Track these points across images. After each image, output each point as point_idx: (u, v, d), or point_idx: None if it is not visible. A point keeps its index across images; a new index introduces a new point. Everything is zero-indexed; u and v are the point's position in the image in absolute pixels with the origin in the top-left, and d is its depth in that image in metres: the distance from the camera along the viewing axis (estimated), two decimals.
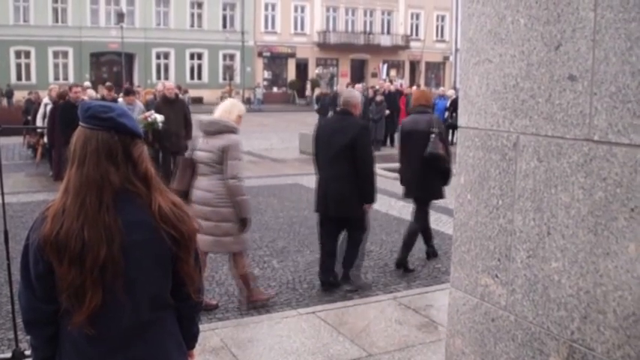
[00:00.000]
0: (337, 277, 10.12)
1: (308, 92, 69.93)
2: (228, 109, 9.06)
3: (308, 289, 9.91)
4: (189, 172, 8.91)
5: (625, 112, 3.22)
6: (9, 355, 6.55)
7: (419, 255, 11.75)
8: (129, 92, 19.89)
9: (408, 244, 11.24)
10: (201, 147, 8.78)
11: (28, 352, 5.95)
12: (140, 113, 17.85)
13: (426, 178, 10.84)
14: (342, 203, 9.76)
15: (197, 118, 9.15)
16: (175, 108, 18.43)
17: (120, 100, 20.91)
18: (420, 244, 11.97)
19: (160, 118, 17.68)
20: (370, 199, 9.91)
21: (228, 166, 8.58)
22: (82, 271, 3.09)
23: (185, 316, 3.59)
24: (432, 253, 11.68)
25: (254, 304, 9.14)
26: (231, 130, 8.79)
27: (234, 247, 8.93)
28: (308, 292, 9.76)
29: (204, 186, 8.70)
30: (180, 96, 25.07)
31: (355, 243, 10.10)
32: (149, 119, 17.52)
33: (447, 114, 30.54)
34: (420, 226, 11.44)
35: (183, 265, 3.37)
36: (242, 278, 9.11)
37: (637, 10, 3.16)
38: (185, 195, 8.49)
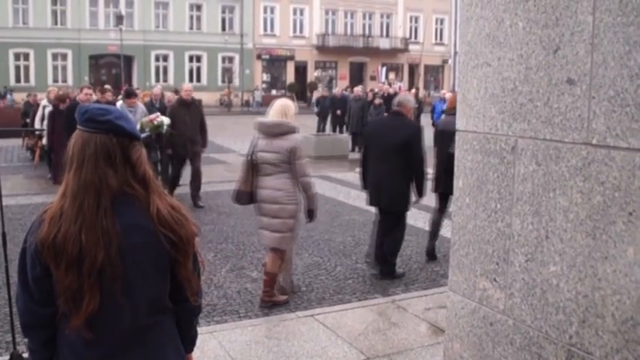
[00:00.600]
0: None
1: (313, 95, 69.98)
2: (284, 110, 9.28)
3: (306, 292, 9.90)
4: (251, 171, 9.25)
5: (623, 116, 3.22)
6: (7, 357, 6.53)
7: (417, 258, 11.76)
8: (130, 94, 18.35)
9: (434, 232, 12.06)
10: (265, 148, 9.09)
11: (25, 355, 5.93)
12: (143, 116, 17.11)
13: (451, 173, 11.25)
14: (394, 197, 10.52)
15: (255, 119, 9.37)
16: (192, 111, 16.98)
17: (119, 103, 20.67)
18: (410, 250, 11.97)
19: (166, 121, 16.64)
20: (422, 192, 10.71)
21: (298, 165, 9.07)
22: (80, 275, 3.08)
23: (183, 319, 3.58)
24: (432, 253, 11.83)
25: (266, 304, 9.30)
26: (294, 131, 9.20)
27: (283, 245, 9.32)
28: (306, 295, 9.75)
29: (271, 185, 9.08)
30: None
31: (397, 235, 10.90)
32: (155, 122, 16.59)
33: (443, 116, 30.50)
34: (443, 217, 11.98)
35: (182, 269, 3.36)
36: (269, 276, 9.30)
37: (635, 14, 3.16)
38: (250, 196, 9.27)
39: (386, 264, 10.79)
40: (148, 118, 16.75)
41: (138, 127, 15.83)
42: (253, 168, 9.20)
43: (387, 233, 10.81)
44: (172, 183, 16.65)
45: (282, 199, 9.02)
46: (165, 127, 16.63)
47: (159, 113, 17.26)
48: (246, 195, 9.31)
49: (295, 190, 9.19)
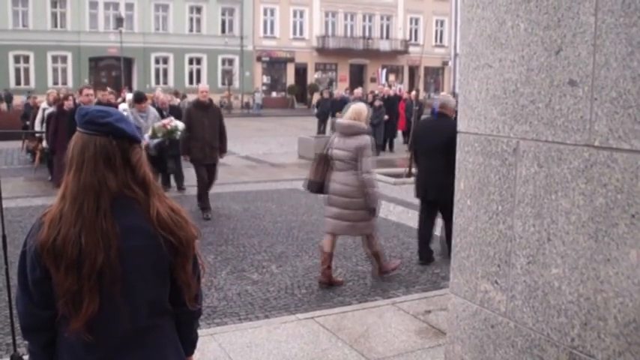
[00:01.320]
0: (431, 254, 11.85)
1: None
2: (358, 113, 10.41)
3: (307, 294, 9.89)
4: (323, 165, 10.48)
5: (626, 118, 3.21)
6: (7, 359, 6.54)
7: (418, 261, 11.74)
8: (140, 98, 16.65)
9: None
10: (338, 146, 10.24)
11: (26, 357, 5.93)
12: (155, 120, 16.12)
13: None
14: (440, 190, 10.92)
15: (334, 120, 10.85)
16: (210, 114, 15.62)
17: (123, 106, 20.38)
18: (410, 252, 11.97)
19: (181, 125, 15.45)
20: None
21: (362, 163, 10.00)
22: (79, 278, 3.07)
23: (183, 322, 3.56)
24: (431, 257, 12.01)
25: (386, 274, 10.73)
26: (365, 132, 10.28)
27: (366, 231, 10.49)
28: (307, 297, 9.74)
29: (341, 180, 10.18)
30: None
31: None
32: (169, 127, 15.52)
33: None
34: None
35: (181, 272, 3.35)
36: (374, 255, 10.69)
37: (638, 15, 3.15)
38: (320, 186, 10.53)
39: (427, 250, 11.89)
40: (161, 122, 15.84)
41: (149, 132, 15.51)
42: (327, 162, 10.42)
43: (447, 221, 11.42)
44: (202, 190, 15.69)
45: (351, 193, 10.08)
46: (179, 133, 15.52)
47: (172, 117, 16.28)
48: (317, 185, 10.56)
49: (362, 184, 10.05)
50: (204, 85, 17.43)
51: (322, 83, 69.30)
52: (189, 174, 17.40)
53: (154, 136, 15.29)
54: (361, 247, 11.93)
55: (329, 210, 10.42)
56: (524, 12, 3.80)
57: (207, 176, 15.61)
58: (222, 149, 16.03)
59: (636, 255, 3.23)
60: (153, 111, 16.88)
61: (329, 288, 10.23)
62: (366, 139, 10.12)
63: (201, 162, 15.48)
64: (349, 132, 10.17)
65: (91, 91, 17.21)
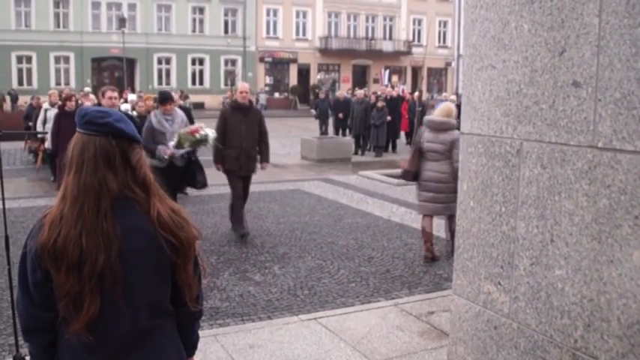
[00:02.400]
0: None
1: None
2: (448, 112, 11.97)
3: (309, 295, 9.88)
4: (418, 156, 11.94)
5: (630, 119, 3.20)
6: None
7: (420, 262, 11.74)
8: (166, 99, 13.33)
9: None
10: (432, 140, 11.66)
11: (28, 358, 5.94)
12: (182, 125, 12.89)
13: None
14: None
15: (427, 118, 12.40)
16: (249, 118, 13.49)
17: (125, 106, 20.03)
18: (413, 253, 11.96)
19: (211, 134, 12.54)
20: None
21: (455, 154, 10.86)
22: (80, 279, 3.07)
23: (184, 323, 3.56)
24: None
25: (428, 259, 11.88)
26: (455, 128, 11.44)
27: (455, 210, 10.93)
28: (309, 299, 9.73)
29: (436, 169, 11.64)
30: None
31: None
32: (198, 135, 12.48)
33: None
34: None
35: (182, 272, 3.34)
36: (452, 233, 11.76)
37: None
38: (415, 175, 12.04)
39: None
40: (189, 129, 12.68)
41: (175, 140, 12.19)
42: (420, 154, 11.83)
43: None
44: (237, 207, 13.72)
45: (445, 179, 11.47)
46: (210, 143, 12.67)
47: (202, 124, 13.07)
48: (411, 174, 12.09)
49: (454, 172, 10.36)
50: (243, 84, 14.86)
51: (325, 84, 69.26)
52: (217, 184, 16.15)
53: (179, 145, 12.31)
54: (363, 249, 11.95)
55: (424, 195, 11.91)
56: (528, 13, 3.80)
57: (242, 190, 13.64)
58: (264, 158, 13.97)
59: (639, 256, 3.23)
60: (180, 114, 13.41)
61: (372, 278, 10.44)
62: (457, 134, 10.76)
63: (236, 174, 13.45)
64: (442, 128, 11.62)
65: (115, 94, 13.81)
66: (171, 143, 12.25)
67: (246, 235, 13.38)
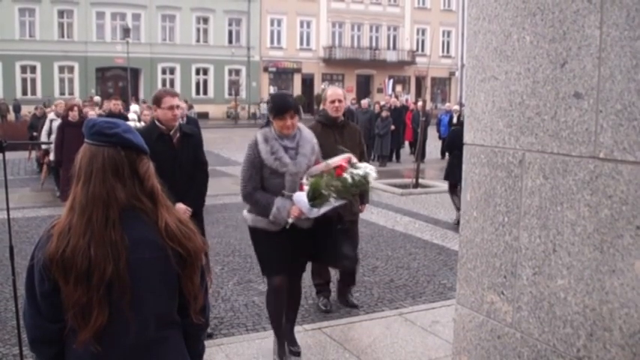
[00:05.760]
0: None
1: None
2: None
3: (314, 304, 9.88)
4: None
5: (631, 130, 3.22)
6: None
7: (424, 271, 11.75)
8: (286, 107, 7.20)
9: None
10: None
11: None
12: (315, 158, 7.47)
13: None
14: None
15: None
16: (345, 137, 9.41)
17: (132, 115, 19.76)
18: (417, 263, 11.97)
19: (373, 173, 7.39)
20: None
21: None
22: (89, 289, 3.08)
23: (191, 333, 3.57)
24: None
25: None
26: None
27: None
28: (314, 308, 9.73)
29: None
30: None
31: None
32: (348, 174, 7.20)
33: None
34: None
35: (188, 283, 3.36)
36: None
37: None
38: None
39: None
40: (329, 164, 7.33)
41: (307, 188, 7.05)
42: None
43: None
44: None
45: None
46: (370, 183, 7.44)
47: (349, 155, 7.50)
48: None
49: None
50: (335, 89, 10.12)
51: (323, 94, 69.33)
52: None
53: (315, 197, 7.05)
54: (367, 259, 11.98)
55: None
56: (530, 25, 3.82)
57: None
58: (364, 198, 9.68)
59: None
60: (308, 137, 7.57)
61: (377, 288, 10.24)
62: None
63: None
64: None
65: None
66: (301, 196, 7.07)
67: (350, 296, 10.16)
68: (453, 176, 15.84)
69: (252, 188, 7.23)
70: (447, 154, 19.55)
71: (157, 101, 8.26)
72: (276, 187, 7.20)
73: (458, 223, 16.91)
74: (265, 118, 7.39)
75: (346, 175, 7.16)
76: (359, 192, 7.92)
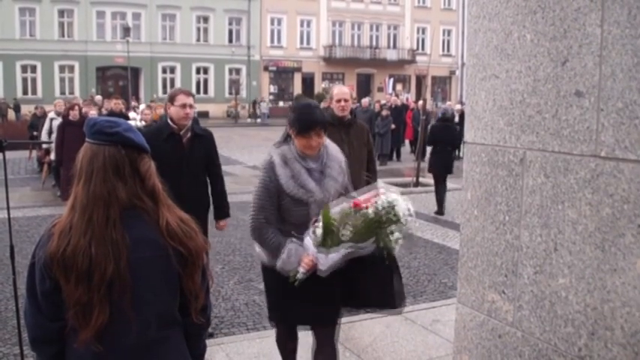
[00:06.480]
0: None
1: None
2: None
3: None
4: None
5: (632, 129, 3.22)
6: None
7: (425, 270, 11.75)
8: (314, 122, 5.72)
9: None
10: None
11: None
12: (343, 182, 6.06)
13: None
14: None
15: None
16: (352, 136, 9.22)
17: (133, 115, 19.63)
18: (418, 262, 11.97)
19: (405, 205, 5.69)
20: None
21: None
22: (90, 288, 3.08)
23: (192, 333, 3.57)
24: None
25: None
26: None
27: None
28: None
29: None
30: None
31: None
32: (372, 211, 5.40)
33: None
34: None
35: (189, 282, 3.35)
36: None
37: None
38: None
39: None
40: (350, 200, 5.60)
41: (318, 231, 5.44)
42: None
43: None
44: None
45: None
46: (406, 231, 5.75)
47: (382, 187, 5.88)
48: None
49: None
50: (342, 88, 10.18)
51: (329, 93, 69.31)
52: None
53: (328, 241, 5.43)
54: None
55: None
56: (531, 23, 3.81)
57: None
58: None
59: None
60: (336, 154, 6.19)
61: None
62: None
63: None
64: None
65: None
66: (311, 240, 5.50)
67: None
68: (436, 168, 17.73)
69: (264, 220, 5.75)
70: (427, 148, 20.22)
71: (171, 98, 8.24)
72: (299, 220, 5.70)
73: (436, 213, 17.14)
74: (283, 136, 5.81)
75: (369, 212, 5.39)
76: (391, 242, 5.57)
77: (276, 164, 5.73)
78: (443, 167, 17.56)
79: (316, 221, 5.49)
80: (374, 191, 5.70)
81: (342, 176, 6.05)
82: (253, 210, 5.81)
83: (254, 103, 68.88)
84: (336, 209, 5.46)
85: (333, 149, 6.12)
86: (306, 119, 5.72)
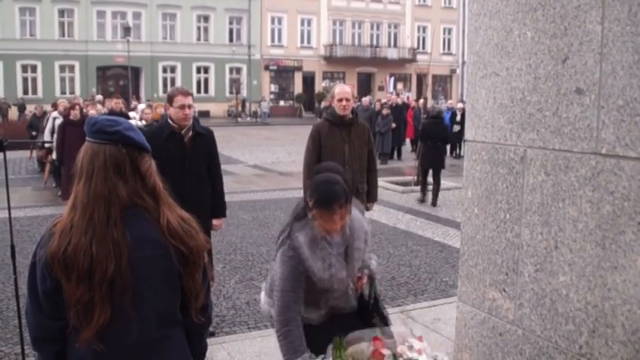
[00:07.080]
0: None
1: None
2: None
3: None
4: None
5: (632, 126, 3.22)
6: None
7: (426, 269, 11.74)
8: (333, 197, 4.80)
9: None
10: None
11: None
12: (365, 257, 5.38)
13: None
14: None
15: None
16: (352, 136, 9.43)
17: (133, 114, 19.66)
18: (419, 260, 11.96)
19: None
20: None
21: None
22: (91, 287, 3.08)
23: (193, 332, 3.56)
24: None
25: None
26: None
27: None
28: None
29: None
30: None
31: None
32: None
33: (456, 127, 30.31)
34: None
35: (190, 281, 3.35)
36: None
37: None
38: None
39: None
40: (369, 345, 4.64)
41: None
42: None
43: None
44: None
45: None
46: None
47: (411, 337, 4.61)
48: None
49: None
50: (343, 87, 10.12)
51: (330, 92, 69.29)
52: None
53: None
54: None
55: None
56: (531, 21, 3.81)
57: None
58: (371, 195, 9.79)
59: None
60: (360, 224, 5.27)
61: (378, 285, 10.12)
62: None
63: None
64: None
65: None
66: None
67: None
68: (427, 162, 19.13)
69: (294, 315, 5.07)
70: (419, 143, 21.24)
71: (170, 99, 8.14)
72: (319, 302, 5.26)
73: (421, 202, 18.12)
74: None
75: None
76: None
77: (301, 244, 4.96)
78: (433, 161, 18.85)
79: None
80: (400, 337, 4.68)
81: (366, 245, 5.28)
82: (280, 299, 5.02)
83: (243, 102, 68.98)
84: (353, 349, 4.68)
85: (357, 217, 5.26)
86: (327, 194, 4.88)
